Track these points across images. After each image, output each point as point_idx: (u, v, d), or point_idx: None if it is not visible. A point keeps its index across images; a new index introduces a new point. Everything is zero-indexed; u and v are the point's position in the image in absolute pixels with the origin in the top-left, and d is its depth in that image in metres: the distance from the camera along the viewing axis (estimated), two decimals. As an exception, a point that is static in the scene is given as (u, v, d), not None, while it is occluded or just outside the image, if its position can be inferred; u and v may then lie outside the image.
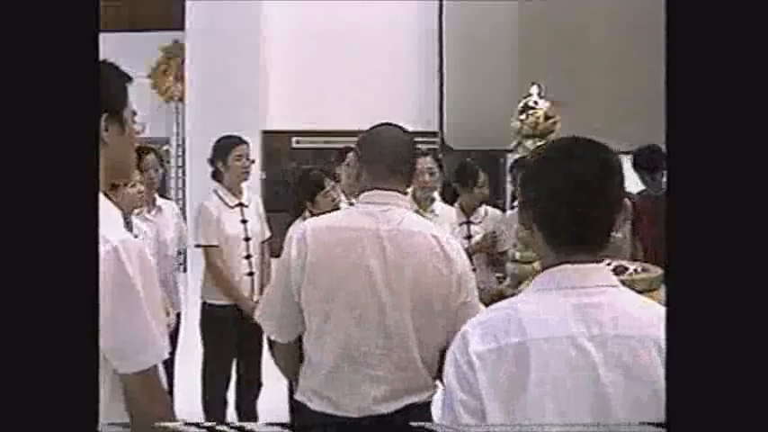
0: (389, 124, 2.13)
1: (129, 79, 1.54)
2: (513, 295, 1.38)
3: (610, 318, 1.21)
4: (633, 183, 4.35)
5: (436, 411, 1.26)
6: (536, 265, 2.08)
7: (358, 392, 1.96)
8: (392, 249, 1.95)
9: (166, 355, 1.44)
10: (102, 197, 1.41)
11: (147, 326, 1.39)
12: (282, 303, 2.05)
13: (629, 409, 1.17)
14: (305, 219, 3.73)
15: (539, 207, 1.29)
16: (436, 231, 2.07)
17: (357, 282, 1.95)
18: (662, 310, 1.26)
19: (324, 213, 3.74)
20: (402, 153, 2.07)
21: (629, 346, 1.20)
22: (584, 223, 1.25)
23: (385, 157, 2.04)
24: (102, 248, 1.32)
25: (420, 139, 2.63)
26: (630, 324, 1.22)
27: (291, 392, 3.76)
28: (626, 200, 1.33)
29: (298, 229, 2.06)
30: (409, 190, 2.16)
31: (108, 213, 1.41)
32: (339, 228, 2.03)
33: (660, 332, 1.18)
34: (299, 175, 4.06)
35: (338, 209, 3.80)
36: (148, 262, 1.42)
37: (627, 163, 3.80)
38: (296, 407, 2.05)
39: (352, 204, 4.17)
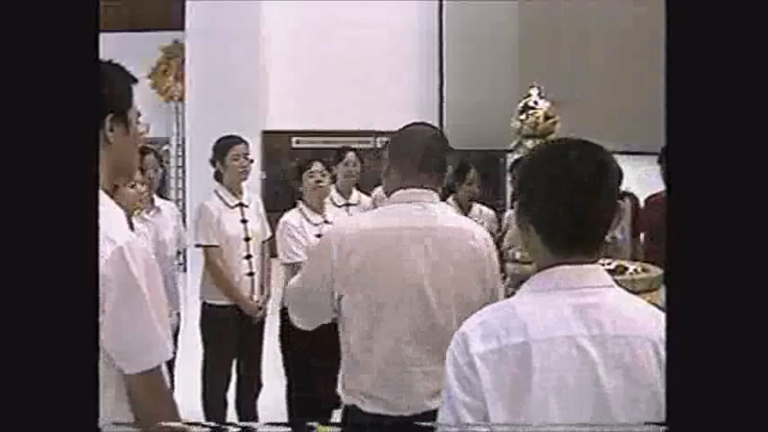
0: (422, 123, 2.15)
1: (135, 80, 1.54)
2: (513, 295, 1.37)
3: (609, 318, 1.21)
4: (643, 189, 4.34)
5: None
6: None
7: (411, 391, 1.96)
8: (432, 246, 1.97)
9: (171, 356, 1.44)
10: (106, 197, 1.41)
11: (151, 326, 1.39)
12: (318, 305, 2.04)
13: (628, 408, 1.18)
14: (295, 206, 3.74)
15: (536, 208, 1.28)
16: (470, 225, 2.12)
17: (402, 282, 1.95)
18: (657, 311, 1.26)
19: (308, 195, 3.73)
20: (432, 150, 2.06)
21: (628, 346, 1.20)
22: (581, 224, 1.25)
23: (414, 156, 2.03)
24: (108, 249, 1.32)
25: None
26: (629, 324, 1.22)
27: (290, 392, 3.78)
28: (620, 201, 1.33)
29: (332, 234, 2.04)
30: (440, 188, 2.16)
31: (113, 214, 1.42)
32: (376, 229, 2.01)
33: (657, 332, 1.18)
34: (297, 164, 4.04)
35: (323, 191, 3.77)
36: (153, 263, 1.42)
37: (624, 164, 3.75)
38: (347, 410, 2.03)
39: (347, 204, 4.18)
